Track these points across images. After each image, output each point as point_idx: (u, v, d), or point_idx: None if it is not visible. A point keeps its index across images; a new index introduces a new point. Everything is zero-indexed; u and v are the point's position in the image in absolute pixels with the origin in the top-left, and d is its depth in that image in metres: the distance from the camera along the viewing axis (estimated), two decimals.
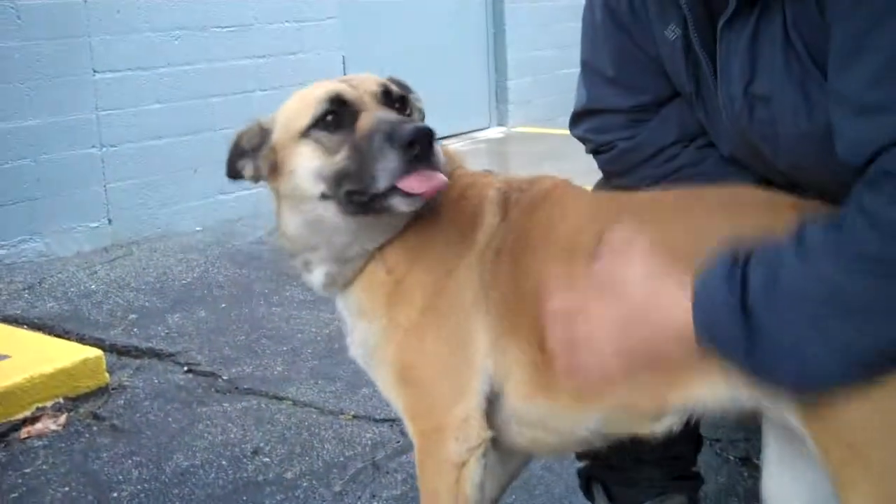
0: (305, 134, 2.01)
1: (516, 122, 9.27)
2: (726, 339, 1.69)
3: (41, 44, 5.61)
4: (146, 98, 6.16)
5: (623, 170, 2.32)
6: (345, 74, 7.54)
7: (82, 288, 5.22)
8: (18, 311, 4.82)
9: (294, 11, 6.98)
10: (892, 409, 1.69)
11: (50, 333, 4.39)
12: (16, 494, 3.17)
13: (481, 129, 9.14)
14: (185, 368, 4.15)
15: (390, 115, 1.97)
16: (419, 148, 1.85)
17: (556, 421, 2.04)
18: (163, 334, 4.49)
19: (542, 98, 9.33)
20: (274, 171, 2.09)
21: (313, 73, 7.16)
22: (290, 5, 6.95)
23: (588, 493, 2.67)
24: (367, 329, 2.12)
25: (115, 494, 3.15)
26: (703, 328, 1.70)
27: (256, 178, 2.14)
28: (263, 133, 2.10)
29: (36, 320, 4.67)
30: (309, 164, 2.00)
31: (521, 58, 9.23)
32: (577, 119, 2.42)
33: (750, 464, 3.11)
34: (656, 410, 1.95)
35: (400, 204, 1.90)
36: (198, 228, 6.37)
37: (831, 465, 1.76)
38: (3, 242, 5.56)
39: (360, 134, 1.94)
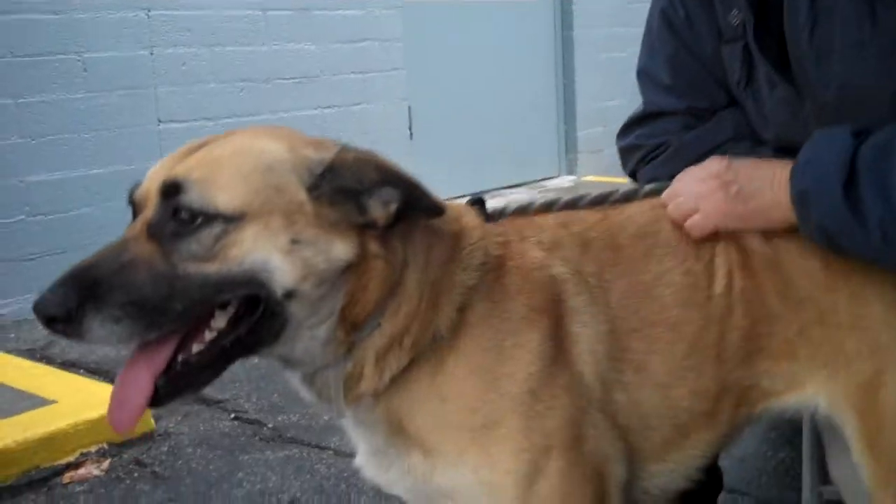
0: None
1: (585, 171, 9.20)
2: (824, 177, 1.74)
3: (107, 95, 5.74)
4: None
5: (674, 172, 2.25)
6: (410, 126, 7.64)
7: None
8: (77, 356, 4.88)
9: (359, 62, 7.06)
10: None
11: (104, 378, 4.42)
12: None
13: (551, 178, 9.09)
14: (232, 416, 4.14)
15: (102, 257, 1.54)
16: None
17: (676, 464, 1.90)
18: (214, 382, 4.48)
19: (612, 147, 9.17)
20: None
21: (379, 123, 7.23)
22: (355, 56, 7.03)
23: None
24: (418, 461, 1.71)
25: None
26: (805, 167, 1.78)
27: None
28: None
29: (93, 365, 4.72)
30: None
31: (591, 107, 9.18)
32: (627, 128, 2.41)
33: None
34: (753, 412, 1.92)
35: None
36: None
37: (879, 481, 1.82)
38: None
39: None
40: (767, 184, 1.84)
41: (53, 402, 3.90)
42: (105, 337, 1.47)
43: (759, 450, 3.53)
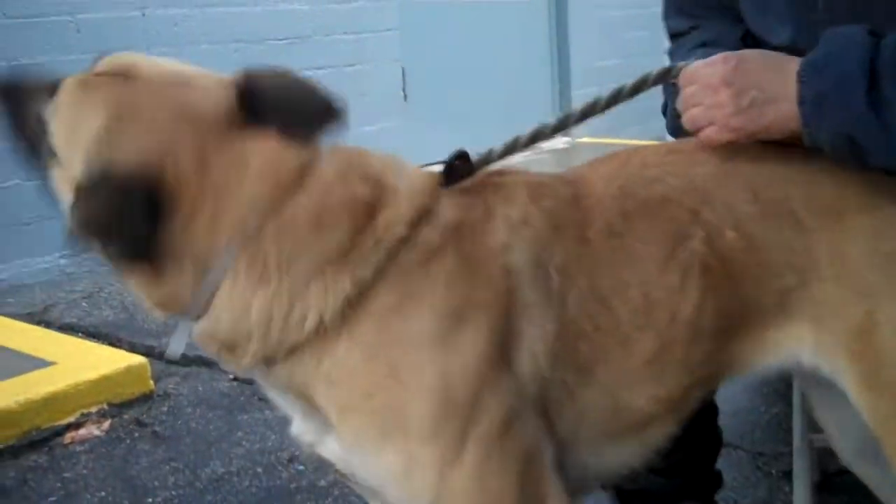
0: None
1: (581, 133, 9.19)
2: (845, 79, 1.66)
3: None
4: None
5: None
6: (404, 87, 7.62)
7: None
8: (75, 320, 4.91)
9: (352, 23, 7.03)
10: None
11: (104, 341, 4.45)
12: (54, 498, 3.22)
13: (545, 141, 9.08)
14: (230, 376, 4.16)
15: None
16: None
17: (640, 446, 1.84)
18: None
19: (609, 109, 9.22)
20: None
21: (372, 84, 7.21)
22: (348, 17, 7.00)
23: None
24: (344, 450, 1.64)
25: (149, 500, 3.18)
26: (824, 69, 1.69)
27: None
28: None
29: (92, 328, 4.75)
30: None
31: (586, 67, 9.16)
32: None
33: (791, 478, 3.01)
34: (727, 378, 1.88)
35: None
36: None
37: (881, 417, 1.78)
38: (65, 253, 5.68)
39: None
40: (782, 91, 1.71)
41: (53, 363, 3.92)
42: None
43: (753, 404, 3.58)
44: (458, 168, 1.74)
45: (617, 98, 1.91)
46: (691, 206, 1.76)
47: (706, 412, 2.34)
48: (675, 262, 1.73)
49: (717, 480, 2.55)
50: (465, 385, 1.56)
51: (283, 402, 1.75)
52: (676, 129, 2.03)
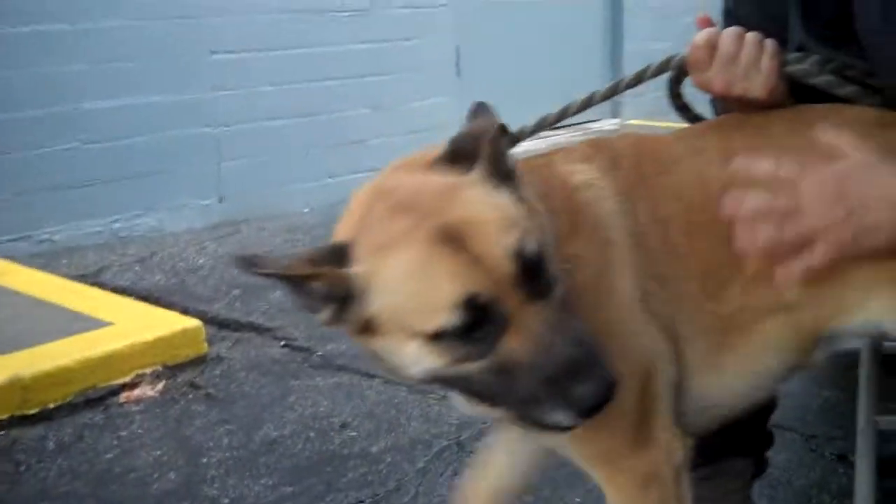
0: (427, 337, 1.47)
1: (630, 115, 9.15)
2: None
3: (156, 23, 5.78)
4: (261, 80, 6.28)
5: None
6: (458, 64, 7.61)
7: (190, 263, 5.35)
8: (128, 283, 4.97)
9: None
10: None
11: (156, 304, 4.50)
12: (110, 455, 3.27)
13: (595, 121, 9.04)
14: (282, 343, 4.21)
15: (546, 335, 1.44)
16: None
17: (736, 379, 1.90)
18: (263, 309, 4.56)
19: (657, 91, 9.12)
20: (365, 332, 1.55)
21: (426, 59, 7.21)
22: None
23: None
24: None
25: (204, 460, 3.22)
26: None
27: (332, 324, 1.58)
28: (348, 288, 1.50)
29: (144, 292, 4.80)
30: (426, 364, 1.49)
31: (638, 49, 9.08)
32: None
33: (845, 461, 3.01)
34: (819, 333, 1.88)
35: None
36: (305, 210, 6.46)
37: None
38: (118, 216, 5.74)
39: (510, 359, 1.45)
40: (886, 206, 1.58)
41: (110, 323, 3.97)
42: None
43: (805, 389, 3.55)
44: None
45: (615, 90, 2.10)
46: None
47: None
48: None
49: (767, 439, 2.53)
50: (590, 293, 1.66)
51: None
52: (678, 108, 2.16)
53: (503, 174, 1.55)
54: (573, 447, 1.77)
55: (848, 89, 1.96)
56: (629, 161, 1.87)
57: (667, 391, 1.78)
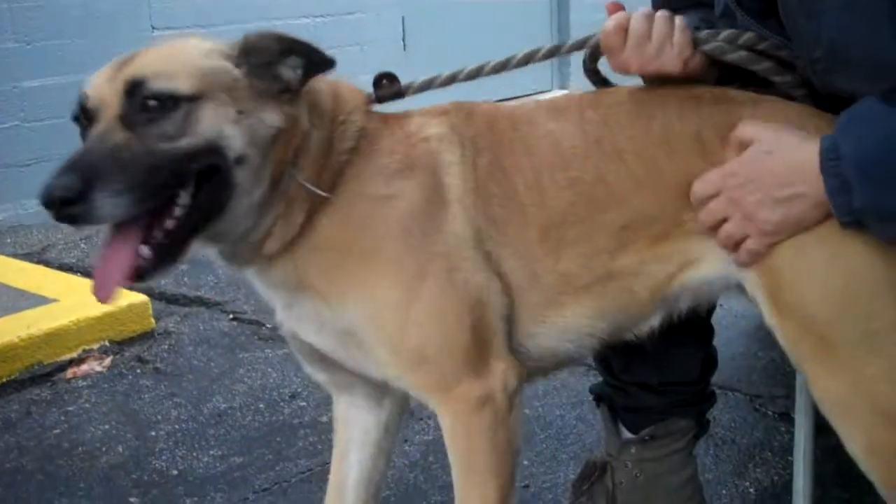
0: None
1: (578, 85, 9.18)
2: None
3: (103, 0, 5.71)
4: None
5: None
6: (404, 37, 7.60)
7: None
8: (74, 260, 4.93)
9: None
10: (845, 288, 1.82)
11: None
12: (58, 430, 3.25)
13: (544, 92, 9.05)
14: (231, 316, 4.20)
15: (92, 139, 1.71)
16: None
17: (564, 331, 2.00)
18: (211, 284, 4.55)
19: (606, 61, 9.21)
20: None
21: (372, 32, 7.18)
22: None
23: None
24: (319, 308, 1.89)
25: (153, 433, 3.22)
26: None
27: None
28: None
29: (90, 269, 4.75)
30: None
31: (585, 19, 9.10)
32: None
33: (788, 419, 3.06)
34: (656, 296, 2.00)
35: None
36: None
37: (790, 341, 1.89)
38: None
39: None
40: (804, 187, 1.80)
41: (54, 300, 3.95)
42: (111, 212, 1.64)
43: (749, 349, 3.62)
44: (386, 87, 2.07)
45: (529, 59, 2.14)
46: (598, 135, 1.97)
47: (698, 331, 2.38)
48: (566, 164, 1.95)
49: (709, 399, 2.58)
50: (416, 225, 1.86)
51: (272, 297, 1.98)
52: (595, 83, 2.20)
53: (264, 75, 1.79)
54: (408, 377, 1.89)
55: (763, 65, 2.00)
56: (483, 118, 2.01)
57: (499, 323, 1.91)
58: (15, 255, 4.86)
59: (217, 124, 1.73)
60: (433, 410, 1.94)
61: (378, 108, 2.05)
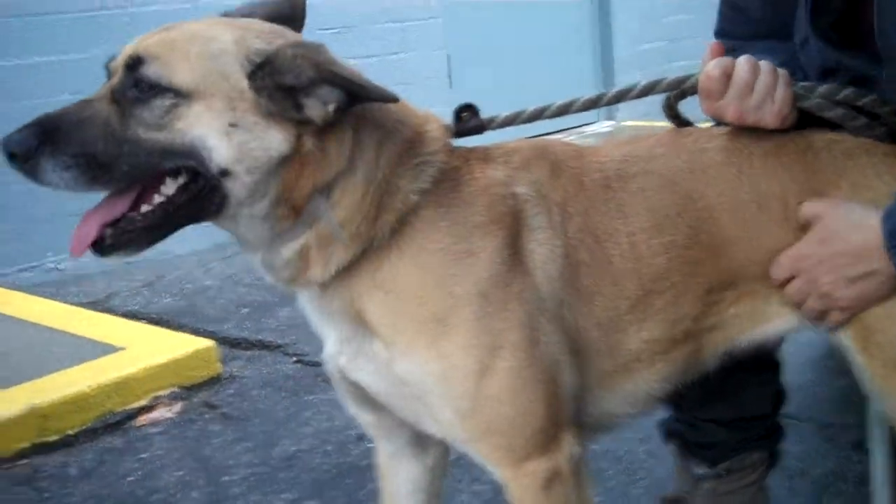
0: None
1: (624, 117, 9.20)
2: None
3: None
4: None
5: None
6: (450, 74, 7.67)
7: (198, 284, 5.40)
8: (137, 307, 5.00)
9: (396, 12, 7.07)
10: None
11: (167, 327, 4.53)
12: (132, 478, 3.29)
13: (589, 124, 9.09)
14: (294, 359, 4.24)
15: (70, 108, 1.69)
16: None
17: (630, 396, 1.99)
18: (273, 327, 4.60)
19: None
20: None
21: (417, 72, 7.26)
22: (393, 6, 7.03)
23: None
24: (379, 350, 1.81)
25: (226, 478, 3.25)
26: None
27: None
28: None
29: (154, 315, 4.83)
30: None
31: (629, 52, 9.16)
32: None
33: (860, 448, 3.03)
34: (723, 350, 2.00)
35: None
36: None
37: (876, 377, 1.90)
38: None
39: None
40: (873, 265, 1.85)
41: (122, 348, 4.00)
42: (54, 181, 1.63)
43: (818, 378, 3.59)
44: (467, 120, 1.99)
45: (620, 96, 2.10)
46: (689, 188, 1.92)
47: (765, 367, 2.40)
48: (661, 226, 1.89)
49: (778, 432, 2.57)
50: (494, 291, 1.76)
51: (326, 327, 1.89)
52: (672, 118, 2.16)
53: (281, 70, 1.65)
54: (473, 445, 1.83)
55: (859, 122, 1.98)
56: (571, 176, 1.91)
57: (570, 397, 1.86)
58: (80, 304, 4.93)
59: (200, 130, 1.63)
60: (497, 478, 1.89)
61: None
